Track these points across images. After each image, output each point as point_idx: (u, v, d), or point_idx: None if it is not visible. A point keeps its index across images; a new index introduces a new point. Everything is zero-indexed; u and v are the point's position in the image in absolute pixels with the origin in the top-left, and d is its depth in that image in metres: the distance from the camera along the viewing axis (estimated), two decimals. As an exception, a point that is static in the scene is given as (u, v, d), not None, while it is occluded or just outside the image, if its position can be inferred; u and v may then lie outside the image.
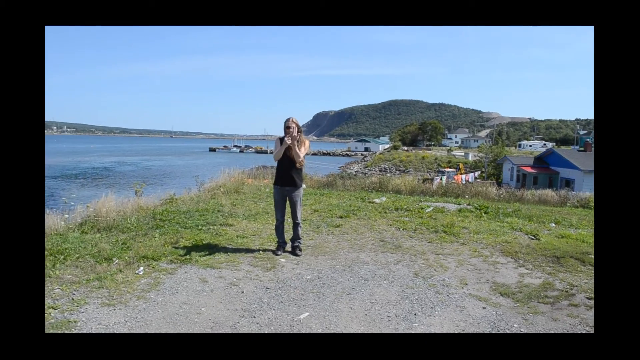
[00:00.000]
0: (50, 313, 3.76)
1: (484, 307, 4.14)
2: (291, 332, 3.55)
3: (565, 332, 3.67)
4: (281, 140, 5.77)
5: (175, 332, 3.51)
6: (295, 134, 5.65)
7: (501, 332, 3.64)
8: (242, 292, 4.38)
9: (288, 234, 6.11)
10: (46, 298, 4.10)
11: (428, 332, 3.54)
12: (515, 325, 3.75)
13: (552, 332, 3.66)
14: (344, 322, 3.74)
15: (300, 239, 5.96)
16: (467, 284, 4.80)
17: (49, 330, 3.45)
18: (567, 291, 4.62)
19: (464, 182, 23.71)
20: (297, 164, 5.74)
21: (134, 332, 3.49)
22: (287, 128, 5.65)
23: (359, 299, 4.26)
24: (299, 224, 5.91)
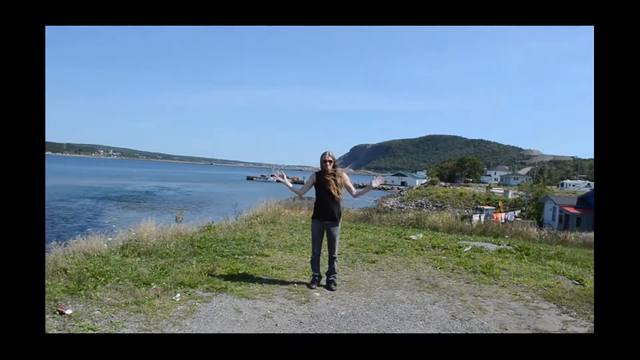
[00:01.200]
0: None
1: (525, 356, 3.96)
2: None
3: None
4: (317, 174, 5.83)
5: (209, 362, 3.51)
6: (331, 168, 5.72)
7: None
8: (276, 325, 4.36)
9: (323, 268, 6.09)
10: (86, 319, 4.20)
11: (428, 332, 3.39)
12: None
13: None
14: (378, 362, 3.65)
15: (335, 273, 5.92)
16: (507, 329, 4.61)
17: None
18: (615, 344, 4.37)
19: (503, 221, 23.09)
20: (336, 198, 5.76)
21: None
22: (323, 162, 5.73)
23: (394, 339, 4.16)
24: (335, 258, 5.88)
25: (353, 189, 6.12)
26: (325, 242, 5.95)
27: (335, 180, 5.74)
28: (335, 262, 5.89)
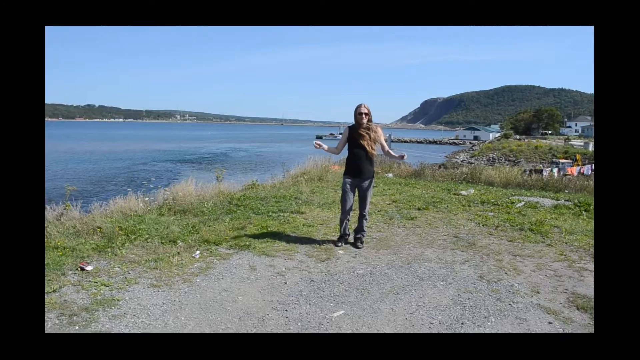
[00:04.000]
0: (100, 290, 3.96)
1: (550, 322, 3.57)
2: (319, 332, 3.35)
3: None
4: (350, 128, 5.52)
5: (206, 318, 3.49)
6: (366, 121, 5.38)
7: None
8: (285, 283, 4.26)
9: (354, 227, 5.87)
10: (103, 275, 4.34)
11: (428, 333, 3.11)
12: (582, 347, 3.18)
13: None
14: (378, 324, 3.45)
15: (364, 231, 5.68)
16: (538, 293, 4.20)
17: (94, 306, 3.62)
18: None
19: (577, 175, 21.50)
20: (370, 154, 5.43)
21: (168, 314, 3.54)
22: (359, 114, 5.38)
23: (405, 300, 3.92)
24: (365, 216, 5.61)
25: (386, 145, 5.73)
26: (356, 199, 5.69)
27: (369, 135, 5.39)
28: (365, 220, 5.63)
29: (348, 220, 5.69)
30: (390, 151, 5.84)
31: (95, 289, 3.97)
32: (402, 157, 5.63)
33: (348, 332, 3.34)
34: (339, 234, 5.78)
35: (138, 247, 5.25)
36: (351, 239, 5.74)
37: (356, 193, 5.65)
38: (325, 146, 5.64)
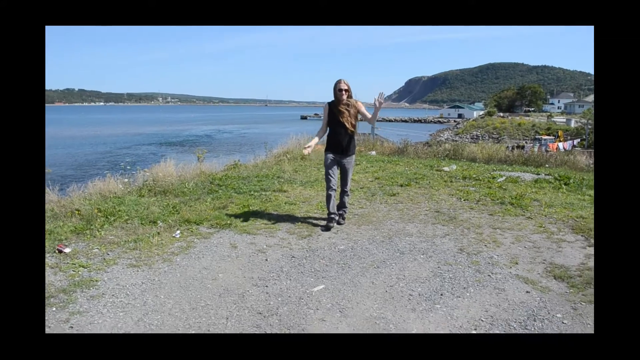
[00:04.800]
0: (78, 271, 3.91)
1: (527, 292, 3.63)
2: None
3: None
4: (329, 104, 5.44)
5: (185, 296, 3.48)
6: (345, 97, 5.30)
7: (538, 320, 3.16)
8: (266, 260, 4.26)
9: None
10: (82, 257, 4.28)
11: (428, 332, 3.13)
12: (558, 315, 3.23)
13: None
14: (358, 297, 3.47)
15: (346, 207, 5.66)
16: (517, 264, 4.26)
17: (72, 287, 3.58)
18: (640, 277, 3.92)
19: (560, 150, 21.80)
20: (350, 130, 5.36)
21: (147, 293, 3.51)
22: (338, 91, 5.28)
23: (386, 274, 3.95)
24: (347, 192, 5.58)
25: (367, 114, 5.53)
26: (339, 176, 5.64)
27: (348, 111, 5.32)
28: (346, 197, 5.61)
29: (334, 197, 5.55)
30: (372, 115, 5.58)
31: (73, 271, 3.92)
32: (378, 99, 5.26)
33: (328, 305, 3.35)
34: (327, 216, 5.54)
35: (117, 228, 5.18)
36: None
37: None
38: (313, 144, 5.53)
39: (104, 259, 4.23)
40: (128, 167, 8.03)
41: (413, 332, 3.03)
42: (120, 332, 3.00)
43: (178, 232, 5.02)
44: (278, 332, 3.00)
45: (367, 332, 3.02)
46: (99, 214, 5.55)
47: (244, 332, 3.01)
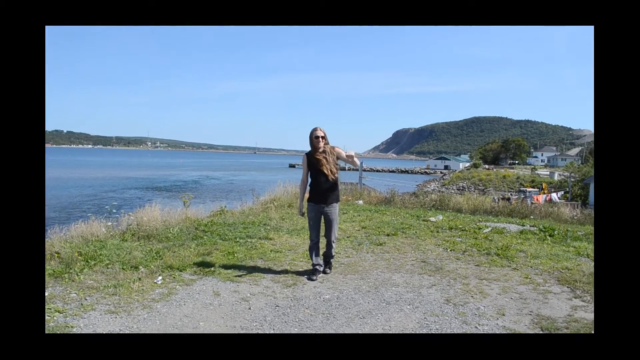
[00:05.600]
0: (54, 316, 3.78)
1: (514, 344, 3.58)
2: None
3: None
4: (307, 155, 5.38)
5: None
6: (322, 145, 5.27)
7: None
8: (249, 309, 4.16)
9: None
10: (59, 302, 4.14)
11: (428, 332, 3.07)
12: (546, 368, 3.17)
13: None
14: (343, 349, 3.38)
15: (332, 257, 5.54)
16: (504, 315, 4.22)
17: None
18: (626, 331, 3.89)
19: (543, 203, 22.02)
20: (331, 178, 5.29)
21: (124, 343, 3.39)
22: (315, 138, 5.22)
23: (371, 324, 3.87)
24: (333, 242, 5.44)
25: (344, 154, 5.41)
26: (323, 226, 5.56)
27: (326, 159, 5.24)
28: (332, 248, 5.47)
29: (318, 248, 5.48)
30: (353, 159, 5.47)
31: (48, 316, 3.78)
32: (350, 152, 5.39)
33: None
34: (312, 267, 5.44)
35: (97, 272, 5.06)
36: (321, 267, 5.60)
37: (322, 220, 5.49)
38: (304, 203, 5.56)
39: (82, 304, 4.10)
40: (113, 211, 7.93)
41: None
42: (120, 332, 2.90)
43: (160, 278, 4.90)
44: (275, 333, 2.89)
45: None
46: (79, 257, 5.42)
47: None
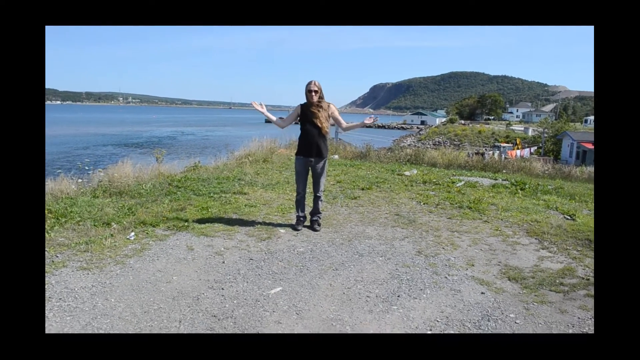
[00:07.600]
0: (23, 274, 3.72)
1: (482, 293, 3.70)
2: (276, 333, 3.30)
3: (570, 326, 3.19)
4: (302, 106, 5.34)
5: (137, 299, 3.36)
6: (316, 99, 5.22)
7: (492, 320, 3.22)
8: (223, 262, 4.17)
9: (309, 208, 5.72)
10: (28, 259, 4.07)
11: (427, 332, 3.15)
12: (511, 315, 3.30)
13: (553, 325, 3.19)
14: (315, 299, 3.45)
15: (320, 213, 5.53)
16: (473, 265, 4.34)
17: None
18: (588, 279, 4.06)
19: (518, 158, 22.46)
20: (323, 132, 5.26)
21: (97, 296, 3.38)
22: (308, 92, 5.20)
23: (344, 276, 3.94)
24: (320, 197, 5.46)
25: (343, 121, 5.53)
26: (310, 179, 5.54)
27: (321, 112, 5.23)
28: (320, 202, 5.48)
29: (304, 201, 5.53)
30: (349, 125, 5.61)
31: (17, 274, 3.72)
32: (364, 124, 5.43)
33: (285, 308, 3.31)
34: (296, 217, 5.53)
35: (68, 230, 4.98)
36: (307, 221, 5.61)
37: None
38: (270, 115, 5.52)
39: (52, 261, 4.04)
40: (86, 168, 7.74)
41: (370, 332, 3.02)
42: (120, 333, 2.92)
43: (132, 234, 4.86)
44: (275, 333, 2.94)
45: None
46: (50, 214, 5.32)
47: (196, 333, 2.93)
